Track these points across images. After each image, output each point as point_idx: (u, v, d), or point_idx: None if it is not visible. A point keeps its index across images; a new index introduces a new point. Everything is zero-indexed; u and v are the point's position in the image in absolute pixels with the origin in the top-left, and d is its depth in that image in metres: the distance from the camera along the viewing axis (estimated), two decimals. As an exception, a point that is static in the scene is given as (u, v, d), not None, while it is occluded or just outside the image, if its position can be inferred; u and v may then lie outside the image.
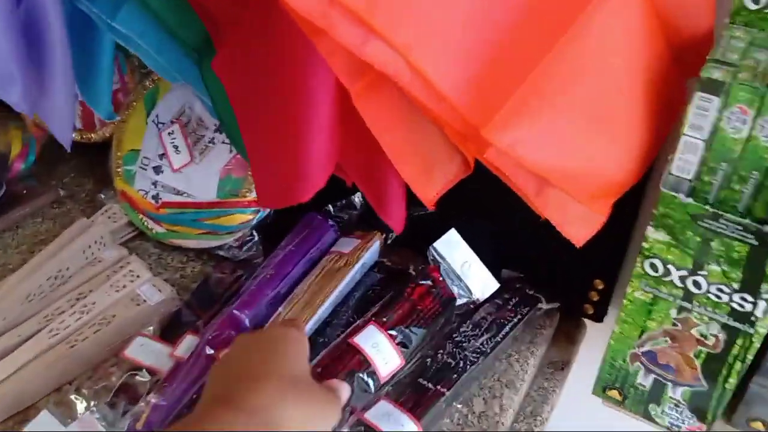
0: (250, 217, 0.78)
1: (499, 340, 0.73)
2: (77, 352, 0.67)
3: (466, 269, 0.75)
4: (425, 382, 0.69)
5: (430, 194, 0.67)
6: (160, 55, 0.71)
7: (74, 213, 0.87)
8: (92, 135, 0.90)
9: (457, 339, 0.73)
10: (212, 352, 0.64)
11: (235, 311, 0.67)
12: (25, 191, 0.88)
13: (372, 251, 0.77)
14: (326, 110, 0.59)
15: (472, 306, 0.74)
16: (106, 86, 0.75)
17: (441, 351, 0.72)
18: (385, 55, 0.50)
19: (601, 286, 0.78)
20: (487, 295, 0.74)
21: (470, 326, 0.75)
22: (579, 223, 0.62)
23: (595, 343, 0.77)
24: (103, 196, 0.86)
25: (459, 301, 0.73)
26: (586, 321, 0.82)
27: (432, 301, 0.72)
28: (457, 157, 0.66)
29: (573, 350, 0.80)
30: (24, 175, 0.89)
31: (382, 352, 0.66)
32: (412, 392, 0.68)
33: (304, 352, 0.55)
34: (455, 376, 0.69)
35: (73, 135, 0.92)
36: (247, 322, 0.68)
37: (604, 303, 0.79)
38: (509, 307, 0.76)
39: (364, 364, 0.65)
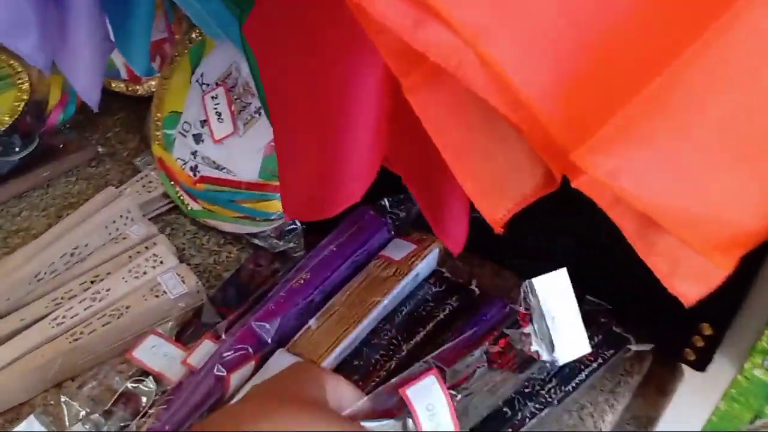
0: (292, 204, 0.67)
1: (571, 389, 0.59)
2: (82, 347, 0.59)
3: (558, 321, 0.59)
4: (471, 438, 0.58)
5: (498, 213, 0.53)
6: (199, 1, 0.60)
7: (112, 174, 0.79)
8: (138, 87, 0.81)
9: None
10: (223, 373, 0.55)
11: (254, 324, 0.57)
12: (61, 145, 0.80)
13: (429, 260, 0.64)
14: (372, 104, 0.46)
15: (548, 368, 0.59)
16: (144, 36, 0.65)
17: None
18: (444, 42, 0.37)
19: (708, 332, 0.62)
20: (570, 359, 0.58)
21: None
22: (692, 279, 0.46)
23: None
24: (140, 162, 0.77)
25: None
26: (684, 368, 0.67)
27: (510, 359, 0.55)
28: (538, 169, 0.52)
29: (662, 403, 0.65)
30: (62, 128, 0.81)
31: (437, 418, 0.49)
32: (458, 444, 0.57)
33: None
34: (510, 430, 0.57)
35: (121, 86, 0.84)
36: (269, 338, 0.57)
37: (710, 351, 0.63)
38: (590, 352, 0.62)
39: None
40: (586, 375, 0.60)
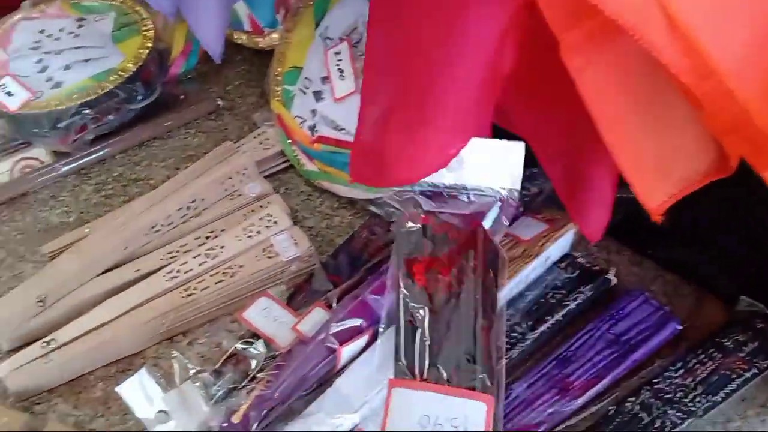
0: (415, 171, 0.63)
1: (720, 400, 0.52)
2: (194, 303, 0.58)
3: None
4: (600, 439, 0.52)
5: (658, 199, 0.46)
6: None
7: (230, 129, 0.77)
8: (260, 40, 0.78)
9: (658, 386, 0.54)
10: (335, 346, 0.52)
11: (369, 297, 0.54)
12: (182, 96, 0.78)
13: (561, 243, 0.58)
14: (482, 59, 0.40)
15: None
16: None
17: (632, 399, 0.53)
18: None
19: None
20: None
21: (680, 371, 0.55)
22: None
23: None
24: (257, 117, 0.75)
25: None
26: None
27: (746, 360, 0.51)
28: (710, 152, 0.44)
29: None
30: (183, 78, 0.80)
31: None
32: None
33: None
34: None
35: (243, 38, 0.81)
36: (382, 314, 0.54)
37: None
38: (742, 354, 0.54)
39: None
40: (737, 385, 0.53)
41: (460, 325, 0.48)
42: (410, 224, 0.52)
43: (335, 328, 0.52)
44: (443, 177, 0.51)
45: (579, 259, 0.60)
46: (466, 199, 0.52)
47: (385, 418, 0.45)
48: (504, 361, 0.48)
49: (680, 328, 0.56)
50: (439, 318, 0.48)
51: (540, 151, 0.48)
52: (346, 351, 0.53)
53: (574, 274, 0.59)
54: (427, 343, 0.47)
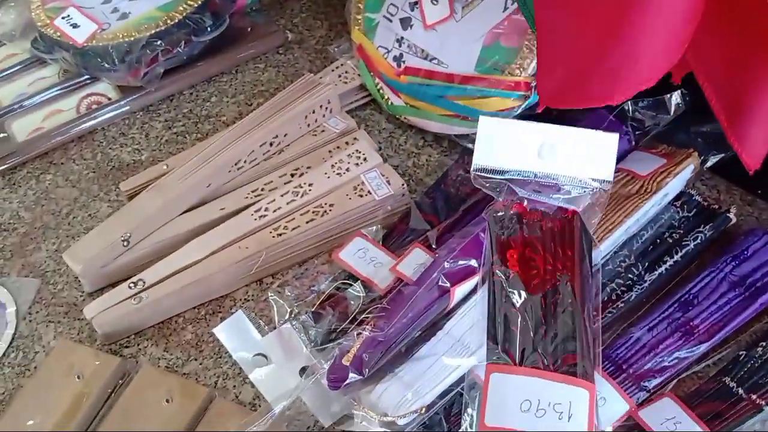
0: (515, 104, 0.57)
1: None
2: (285, 242, 0.54)
3: None
4: (733, 385, 0.48)
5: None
6: None
7: (301, 63, 0.72)
8: (330, -32, 0.72)
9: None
10: (448, 285, 0.48)
11: (482, 234, 0.49)
12: (250, 29, 0.73)
13: (680, 179, 0.53)
14: None
15: None
16: None
17: (763, 343, 0.49)
18: None
19: None
20: None
21: None
22: None
23: None
24: (336, 49, 0.69)
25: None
26: None
27: None
28: None
29: None
30: (250, 10, 0.74)
31: None
32: (713, 395, 0.48)
33: None
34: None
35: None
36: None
37: None
38: None
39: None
40: None
41: (558, 312, 0.44)
42: (503, 211, 0.49)
43: (448, 267, 0.48)
44: (536, 166, 0.47)
45: (696, 197, 0.56)
46: (558, 189, 0.48)
47: (485, 401, 0.41)
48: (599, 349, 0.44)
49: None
50: (536, 304, 0.45)
51: (700, 70, 0.43)
52: (459, 291, 0.49)
53: (692, 213, 0.54)
54: (526, 327, 0.44)
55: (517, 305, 0.45)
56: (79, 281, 0.55)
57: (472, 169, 0.48)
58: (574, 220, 0.47)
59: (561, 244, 0.47)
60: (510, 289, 0.45)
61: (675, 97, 0.55)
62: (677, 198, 0.55)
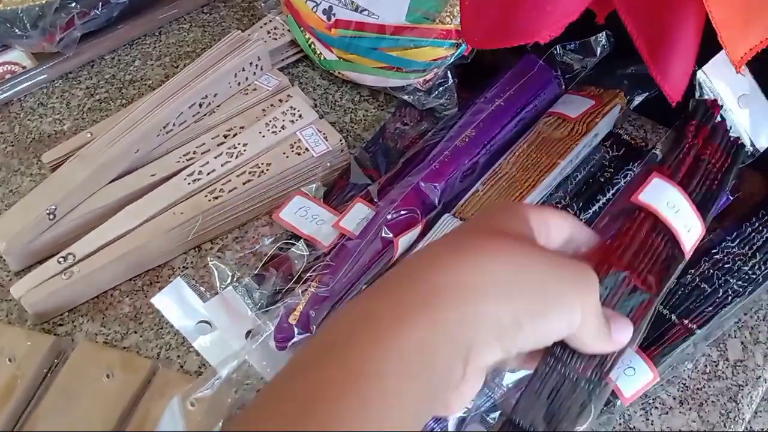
0: (447, 52, 0.56)
1: None
2: (222, 206, 0.51)
3: (744, 103, 0.48)
4: (666, 312, 0.49)
5: (741, 50, 0.41)
6: None
7: (228, 21, 0.68)
8: None
9: (716, 256, 0.51)
10: (391, 237, 0.46)
11: (423, 185, 0.48)
12: (176, -11, 0.69)
13: (609, 119, 0.53)
14: None
15: (751, 157, 0.48)
16: None
17: (691, 271, 0.50)
18: None
19: None
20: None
21: (737, 240, 0.52)
22: None
23: None
24: (263, 4, 0.65)
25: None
26: None
27: (718, 148, 0.45)
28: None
29: None
30: (171, -31, 0.70)
31: (682, 213, 0.39)
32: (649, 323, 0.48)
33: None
34: (710, 308, 0.48)
35: None
36: (437, 200, 0.48)
37: None
38: None
39: (655, 232, 0.39)
40: None
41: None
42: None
43: (390, 218, 0.47)
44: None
45: (624, 137, 0.56)
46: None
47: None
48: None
49: (732, 198, 0.53)
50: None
51: (621, 4, 0.42)
52: (402, 242, 0.47)
53: (621, 152, 0.54)
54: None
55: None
56: (4, 260, 0.51)
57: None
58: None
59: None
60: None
61: (600, 39, 0.54)
62: (606, 138, 0.55)
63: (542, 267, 0.30)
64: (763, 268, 0.49)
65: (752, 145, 0.49)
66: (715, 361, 0.48)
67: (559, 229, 0.34)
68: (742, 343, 0.49)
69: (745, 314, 0.50)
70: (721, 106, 0.49)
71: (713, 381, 0.47)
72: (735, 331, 0.49)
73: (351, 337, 0.27)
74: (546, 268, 0.30)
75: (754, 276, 0.49)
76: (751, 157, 0.50)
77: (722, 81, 0.47)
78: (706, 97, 0.49)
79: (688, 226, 0.39)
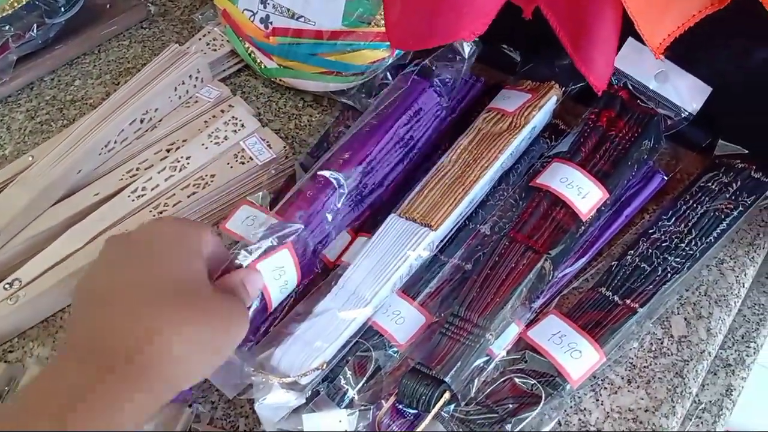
0: (385, 54, 0.56)
1: (713, 240, 0.50)
2: (168, 220, 0.51)
3: (662, 81, 0.53)
4: (609, 294, 0.49)
5: (659, 36, 0.42)
6: None
7: (167, 35, 0.67)
8: (185, -66, 0.67)
9: (654, 236, 0.52)
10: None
11: (319, 174, 0.48)
12: (108, 5, 0.67)
13: (545, 111, 0.53)
14: None
15: (684, 122, 0.52)
16: None
17: (631, 252, 0.51)
18: None
19: None
20: (699, 103, 0.52)
21: (672, 219, 0.53)
22: None
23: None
24: (200, 17, 0.65)
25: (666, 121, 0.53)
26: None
27: (626, 123, 0.51)
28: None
29: (801, 255, 0.57)
30: (107, -14, 0.69)
31: (576, 185, 0.48)
32: (592, 306, 0.49)
33: (188, 247, 0.37)
34: (651, 287, 0.49)
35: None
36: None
37: None
38: (728, 195, 0.52)
39: (555, 207, 0.48)
40: (727, 224, 0.51)
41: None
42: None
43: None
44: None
45: (562, 126, 0.56)
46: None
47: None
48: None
49: (666, 179, 0.54)
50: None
51: (546, 3, 0.43)
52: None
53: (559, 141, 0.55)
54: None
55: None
56: (-51, 290, 0.50)
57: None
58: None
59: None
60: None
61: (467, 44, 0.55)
62: (545, 129, 0.56)
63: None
64: (699, 243, 0.50)
65: (683, 111, 0.52)
66: (660, 339, 0.49)
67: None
68: (685, 319, 0.50)
69: (687, 290, 0.51)
70: (630, 89, 0.53)
71: (659, 358, 0.48)
72: (678, 308, 0.50)
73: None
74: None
75: (691, 252, 0.49)
76: (686, 121, 0.53)
77: (635, 65, 0.51)
78: (617, 85, 0.53)
79: (583, 193, 0.48)
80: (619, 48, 0.51)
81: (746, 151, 0.54)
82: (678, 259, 0.49)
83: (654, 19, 0.40)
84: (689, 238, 0.51)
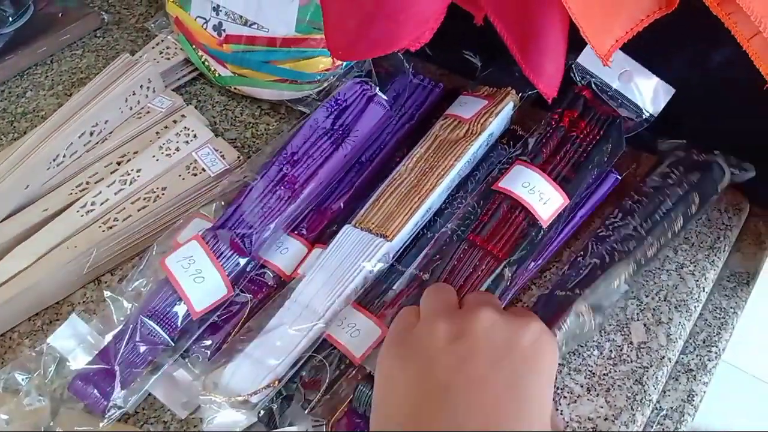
0: (339, 62, 0.55)
1: (659, 218, 0.48)
2: (117, 235, 0.49)
3: (625, 81, 0.52)
4: (562, 293, 0.48)
5: (608, 43, 0.41)
6: None
7: (122, 44, 0.65)
8: (138, -60, 0.66)
9: (601, 234, 0.51)
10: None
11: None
12: (60, 14, 0.65)
13: (502, 117, 0.53)
14: None
15: (644, 123, 0.52)
16: None
17: (581, 255, 0.50)
18: None
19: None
20: (660, 105, 0.51)
21: (619, 215, 0.51)
22: None
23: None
24: (153, 25, 0.63)
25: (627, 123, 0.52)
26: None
27: (587, 124, 0.51)
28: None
29: (761, 257, 0.56)
30: (59, -7, 0.67)
31: (538, 191, 0.48)
32: (545, 306, 0.48)
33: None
34: (599, 272, 0.47)
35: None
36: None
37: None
38: (671, 180, 0.50)
39: (514, 211, 0.48)
40: (672, 203, 0.49)
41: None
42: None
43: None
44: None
45: (519, 132, 0.55)
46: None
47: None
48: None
49: (620, 178, 0.54)
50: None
51: (490, 7, 0.42)
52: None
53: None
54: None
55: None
56: None
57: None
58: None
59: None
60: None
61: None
62: (504, 135, 0.55)
63: None
64: (644, 225, 0.48)
65: (645, 112, 0.52)
66: (619, 346, 0.48)
67: None
68: (644, 325, 0.49)
69: (647, 296, 0.50)
70: (594, 88, 0.52)
71: (619, 365, 0.47)
72: (637, 313, 0.50)
73: None
74: None
75: (635, 234, 0.48)
76: (646, 122, 0.52)
77: (598, 66, 0.50)
78: (581, 84, 0.53)
79: (544, 199, 0.48)
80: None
81: (684, 141, 0.54)
82: (622, 243, 0.48)
83: (600, 25, 0.39)
84: (633, 224, 0.49)
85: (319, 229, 0.51)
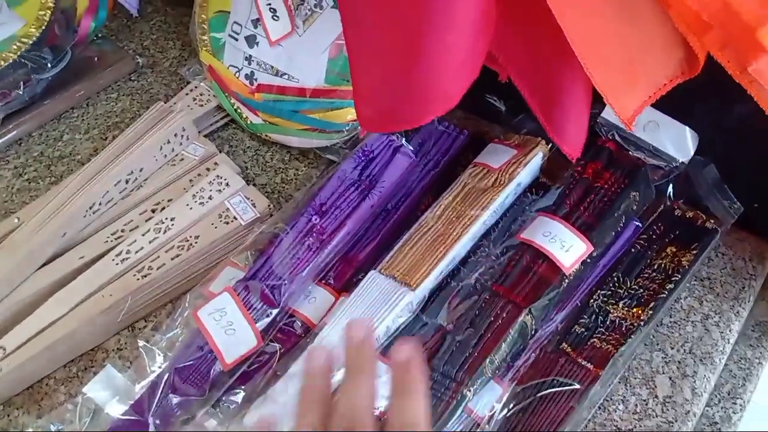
0: (367, 111, 0.55)
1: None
2: (151, 283, 0.50)
3: (652, 130, 0.52)
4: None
5: (630, 107, 0.42)
6: None
7: (156, 87, 0.67)
8: (173, -13, 0.67)
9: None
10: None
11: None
12: (96, 58, 0.67)
13: (531, 167, 0.53)
14: None
15: (675, 171, 0.52)
16: None
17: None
18: None
19: None
20: (689, 153, 0.51)
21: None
22: None
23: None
24: (187, 71, 0.64)
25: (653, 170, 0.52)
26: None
27: (612, 175, 0.51)
28: (677, 52, 0.39)
29: (787, 307, 0.56)
30: (94, 38, 0.68)
31: (559, 239, 0.48)
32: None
33: None
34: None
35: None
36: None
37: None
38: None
39: (537, 260, 0.49)
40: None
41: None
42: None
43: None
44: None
45: (547, 183, 0.55)
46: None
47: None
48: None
49: (641, 226, 0.53)
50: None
51: (515, 73, 0.42)
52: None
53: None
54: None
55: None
56: (-66, 357, 0.49)
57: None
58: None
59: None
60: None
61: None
62: (533, 185, 0.55)
63: None
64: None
65: (675, 160, 0.52)
66: (645, 400, 0.48)
67: None
68: (670, 378, 0.49)
69: (672, 348, 0.50)
70: (618, 140, 0.53)
71: (644, 420, 0.47)
72: (662, 366, 0.49)
73: None
74: None
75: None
76: (677, 170, 0.52)
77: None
78: (607, 137, 0.53)
79: (566, 247, 0.48)
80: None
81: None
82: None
83: (622, 92, 0.39)
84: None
85: (345, 278, 0.51)
